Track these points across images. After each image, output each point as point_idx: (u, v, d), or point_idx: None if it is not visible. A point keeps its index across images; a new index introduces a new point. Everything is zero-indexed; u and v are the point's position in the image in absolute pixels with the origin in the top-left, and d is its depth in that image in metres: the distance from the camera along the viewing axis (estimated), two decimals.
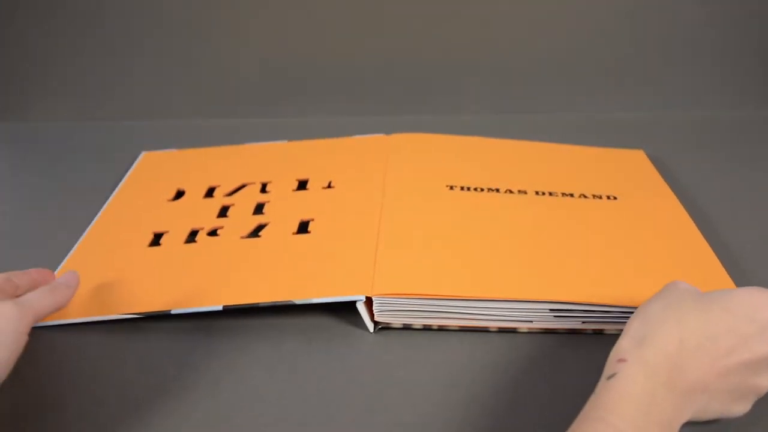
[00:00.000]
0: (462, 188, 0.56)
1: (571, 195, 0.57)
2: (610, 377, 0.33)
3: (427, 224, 0.51)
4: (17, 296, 0.42)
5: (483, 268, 0.47)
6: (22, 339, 0.37)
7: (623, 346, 0.35)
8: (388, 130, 0.67)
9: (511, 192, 0.57)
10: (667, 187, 0.59)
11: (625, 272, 0.47)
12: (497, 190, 0.57)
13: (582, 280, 0.46)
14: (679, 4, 0.74)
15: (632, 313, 0.44)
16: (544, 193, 0.57)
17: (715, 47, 0.76)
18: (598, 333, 0.45)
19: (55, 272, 0.52)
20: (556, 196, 0.56)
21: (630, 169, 0.62)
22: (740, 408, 0.37)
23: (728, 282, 0.47)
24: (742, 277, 0.49)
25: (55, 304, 0.42)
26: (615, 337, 0.45)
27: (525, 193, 0.57)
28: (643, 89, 0.78)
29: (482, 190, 0.56)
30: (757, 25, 0.74)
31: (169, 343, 0.46)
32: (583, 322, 0.45)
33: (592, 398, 0.33)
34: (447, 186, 0.57)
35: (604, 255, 0.49)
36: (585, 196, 0.57)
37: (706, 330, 0.35)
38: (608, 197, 0.57)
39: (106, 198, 0.62)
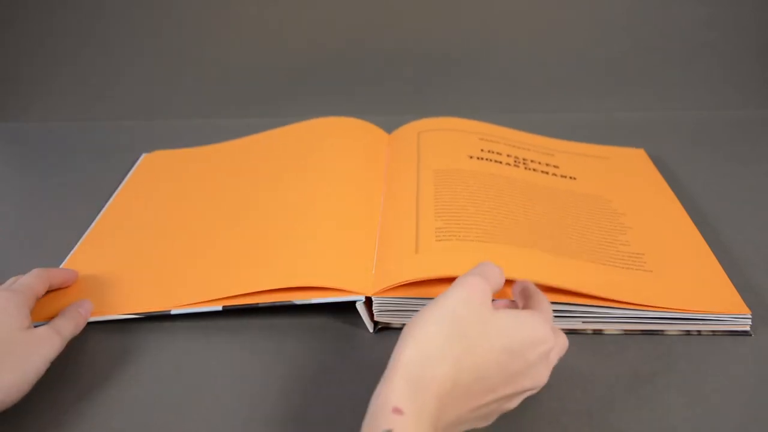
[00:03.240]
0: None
1: (571, 191, 0.57)
2: None
3: (427, 224, 0.51)
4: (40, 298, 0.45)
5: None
6: (48, 365, 0.40)
7: (398, 389, 0.31)
8: (388, 130, 0.67)
9: (510, 170, 0.57)
10: (667, 186, 0.59)
11: (624, 271, 0.47)
12: (497, 190, 0.57)
13: (581, 279, 0.46)
14: (679, 4, 0.74)
15: (632, 313, 0.44)
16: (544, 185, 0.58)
17: (715, 47, 0.76)
18: (598, 333, 0.45)
19: (70, 269, 0.52)
20: (557, 189, 0.57)
21: (630, 168, 0.63)
22: (481, 425, 0.35)
23: (726, 282, 0.47)
24: (741, 277, 0.49)
25: (75, 333, 0.44)
26: (615, 337, 0.45)
27: (525, 171, 0.57)
28: (643, 89, 0.78)
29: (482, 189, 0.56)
30: (757, 25, 0.74)
31: (169, 343, 0.46)
32: (584, 322, 0.45)
33: None
34: (447, 185, 0.57)
35: (601, 254, 0.49)
36: (584, 194, 0.57)
37: (479, 371, 0.33)
38: (608, 196, 0.57)
39: (107, 198, 0.62)
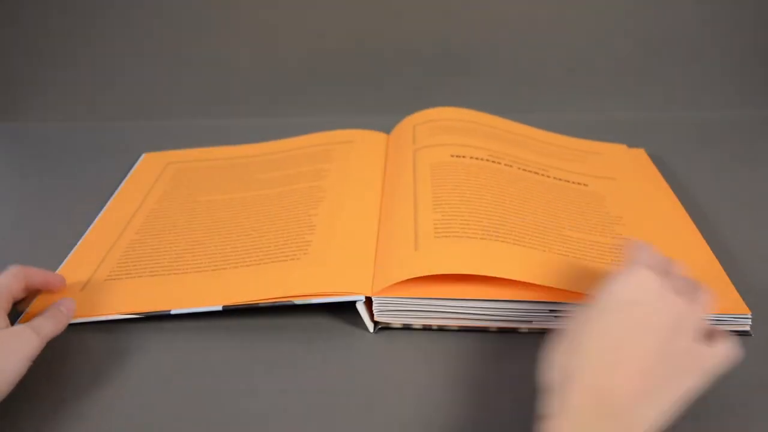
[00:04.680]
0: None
1: (577, 182, 0.58)
2: None
3: (425, 218, 0.51)
4: (18, 299, 0.44)
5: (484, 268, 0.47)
6: (28, 365, 0.39)
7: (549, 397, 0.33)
8: (388, 130, 0.67)
9: (508, 170, 0.57)
10: (667, 186, 0.59)
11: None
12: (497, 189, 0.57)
13: (581, 279, 0.46)
14: (679, 4, 0.74)
15: None
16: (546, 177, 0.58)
17: (715, 47, 0.76)
18: None
19: (56, 273, 0.52)
20: (563, 181, 0.57)
21: (630, 168, 0.63)
22: (690, 383, 0.34)
23: (725, 279, 0.47)
24: (741, 277, 0.49)
25: (56, 333, 0.43)
26: None
27: (521, 171, 0.57)
28: (643, 89, 0.78)
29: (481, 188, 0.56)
30: (757, 25, 0.74)
31: (169, 343, 0.46)
32: None
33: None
34: (444, 177, 0.56)
35: (601, 254, 0.49)
36: (586, 184, 0.57)
37: (605, 343, 0.33)
38: (609, 178, 0.58)
39: (107, 198, 0.62)
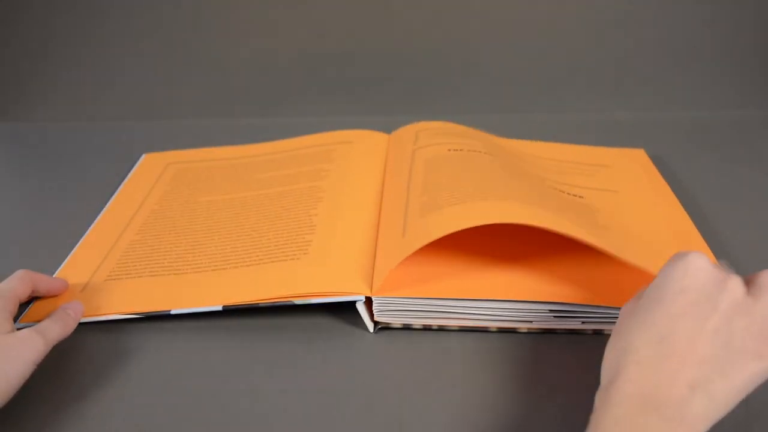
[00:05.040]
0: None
1: (572, 194, 0.57)
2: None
3: (414, 204, 0.51)
4: (24, 302, 0.45)
5: (484, 268, 0.47)
6: (33, 369, 0.39)
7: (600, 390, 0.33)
8: (388, 130, 0.67)
9: (510, 185, 0.57)
10: (667, 186, 0.59)
11: (623, 272, 0.47)
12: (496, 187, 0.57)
13: (581, 279, 0.46)
14: (679, 4, 0.74)
15: None
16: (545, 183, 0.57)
17: (715, 47, 0.76)
18: (598, 333, 0.45)
19: (55, 273, 0.52)
20: (557, 190, 0.57)
21: (630, 169, 0.62)
22: (756, 366, 0.32)
23: None
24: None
25: (63, 336, 0.43)
26: None
27: (524, 183, 0.57)
28: (643, 89, 0.78)
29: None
30: (757, 25, 0.74)
31: (169, 343, 0.46)
32: (583, 322, 0.45)
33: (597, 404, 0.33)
34: (436, 168, 0.56)
35: (601, 254, 0.49)
36: (581, 197, 0.57)
37: (651, 335, 0.33)
38: (608, 191, 0.57)
39: (107, 199, 0.62)
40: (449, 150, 0.57)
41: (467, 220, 0.44)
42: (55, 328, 0.41)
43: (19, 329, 0.40)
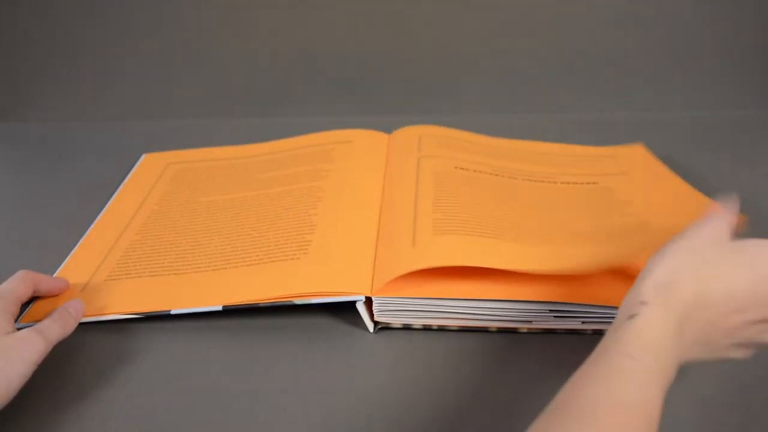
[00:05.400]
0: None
1: (585, 183, 0.58)
2: (631, 317, 0.33)
3: (425, 217, 0.51)
4: (24, 303, 0.45)
5: (484, 268, 0.47)
6: (34, 369, 0.39)
7: (646, 289, 0.34)
8: (388, 130, 0.67)
9: (512, 181, 0.57)
10: (670, 171, 0.60)
11: (623, 272, 0.47)
12: (496, 184, 0.57)
13: (581, 279, 0.46)
14: (679, 4, 0.74)
15: None
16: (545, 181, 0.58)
17: (715, 47, 0.76)
18: (598, 333, 0.45)
19: (55, 273, 0.52)
20: (570, 183, 0.58)
21: (634, 156, 0.64)
22: (738, 354, 0.37)
23: None
24: None
25: (64, 336, 0.42)
26: None
27: (526, 181, 0.58)
28: (643, 89, 0.78)
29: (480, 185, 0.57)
30: (757, 25, 0.74)
31: (169, 343, 0.46)
32: (583, 323, 0.45)
33: (611, 335, 0.34)
34: (447, 184, 0.57)
35: (613, 234, 0.49)
36: (594, 182, 0.58)
37: (725, 287, 0.35)
38: (619, 173, 0.59)
39: (107, 199, 0.62)
40: (456, 167, 0.58)
41: (482, 259, 0.45)
42: (55, 328, 0.41)
43: (19, 329, 0.40)
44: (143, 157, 0.69)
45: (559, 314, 0.45)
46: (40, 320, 0.43)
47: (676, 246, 0.36)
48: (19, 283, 0.44)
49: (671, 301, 0.34)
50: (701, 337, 0.35)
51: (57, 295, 0.48)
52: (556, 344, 0.45)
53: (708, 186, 0.61)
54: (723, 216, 0.38)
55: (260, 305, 0.46)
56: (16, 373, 0.38)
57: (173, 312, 0.47)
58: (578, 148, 0.67)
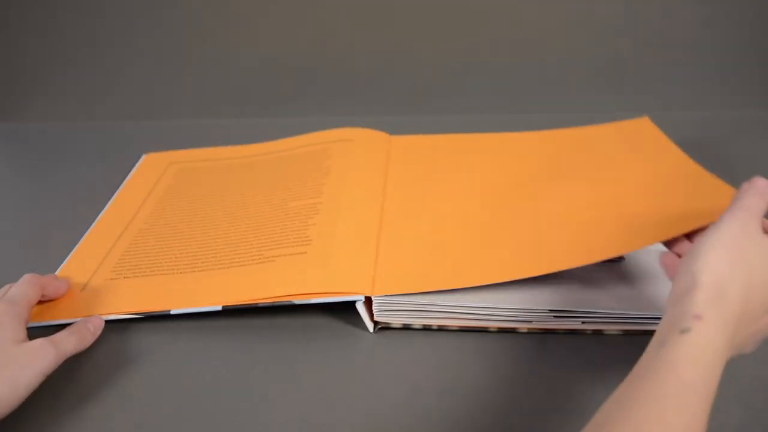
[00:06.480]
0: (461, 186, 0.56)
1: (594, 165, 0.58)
2: (683, 331, 0.31)
3: (427, 223, 0.51)
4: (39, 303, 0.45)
5: (484, 266, 0.47)
6: (42, 379, 0.39)
7: (700, 299, 0.32)
8: (388, 130, 0.67)
9: (510, 182, 0.57)
10: (678, 149, 0.60)
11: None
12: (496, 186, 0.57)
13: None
14: (679, 4, 0.74)
15: (632, 313, 0.44)
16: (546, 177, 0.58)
17: (715, 47, 0.76)
18: (598, 333, 0.45)
19: (56, 273, 0.52)
20: (565, 177, 0.57)
21: (639, 129, 0.64)
22: (751, 348, 0.36)
23: None
24: None
25: (78, 350, 0.43)
26: (615, 337, 0.45)
27: (526, 181, 0.57)
28: (643, 89, 0.78)
29: (480, 186, 0.56)
30: (757, 25, 0.74)
31: (169, 344, 0.46)
32: (583, 323, 0.45)
33: (658, 349, 0.32)
34: (447, 184, 0.57)
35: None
36: (593, 177, 0.58)
37: (763, 292, 0.34)
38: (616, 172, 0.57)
39: (108, 199, 0.62)
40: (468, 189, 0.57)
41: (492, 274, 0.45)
42: (70, 341, 0.42)
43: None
44: (144, 157, 0.70)
45: (559, 314, 0.45)
46: (39, 321, 0.44)
47: (710, 247, 0.34)
48: (29, 287, 0.44)
49: (726, 314, 0.32)
50: (739, 343, 0.34)
51: (60, 297, 0.48)
52: (556, 344, 0.45)
53: None
54: (749, 206, 0.36)
55: (260, 305, 0.46)
56: (24, 382, 0.38)
57: (173, 312, 0.47)
58: (584, 130, 0.66)
